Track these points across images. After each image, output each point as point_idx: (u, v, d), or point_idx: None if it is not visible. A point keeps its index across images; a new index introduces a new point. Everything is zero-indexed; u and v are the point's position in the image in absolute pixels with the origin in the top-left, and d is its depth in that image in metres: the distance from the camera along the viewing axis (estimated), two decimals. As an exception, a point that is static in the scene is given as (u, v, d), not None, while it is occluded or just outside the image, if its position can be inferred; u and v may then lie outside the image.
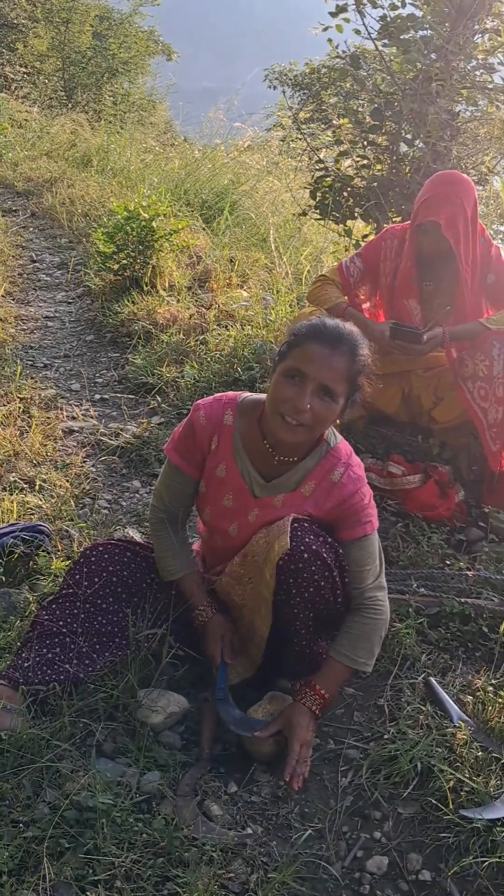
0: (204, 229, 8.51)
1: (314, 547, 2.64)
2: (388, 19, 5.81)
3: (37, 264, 8.62)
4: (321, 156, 6.91)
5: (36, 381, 5.56)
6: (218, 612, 2.94)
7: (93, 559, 2.91)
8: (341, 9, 5.97)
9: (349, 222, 6.45)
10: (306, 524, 2.69)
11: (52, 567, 3.45)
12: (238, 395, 2.90)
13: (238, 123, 13.26)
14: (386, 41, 5.85)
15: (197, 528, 3.21)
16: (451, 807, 2.42)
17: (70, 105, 20.14)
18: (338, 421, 2.72)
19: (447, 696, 2.84)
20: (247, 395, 2.91)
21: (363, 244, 5.01)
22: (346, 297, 4.17)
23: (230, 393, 2.93)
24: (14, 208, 10.65)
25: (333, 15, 6.02)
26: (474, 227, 3.90)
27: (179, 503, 3.01)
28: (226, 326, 6.14)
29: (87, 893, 2.12)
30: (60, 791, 2.39)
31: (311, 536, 2.66)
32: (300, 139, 12.75)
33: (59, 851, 2.22)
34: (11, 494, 4.01)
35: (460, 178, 3.96)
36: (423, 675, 2.96)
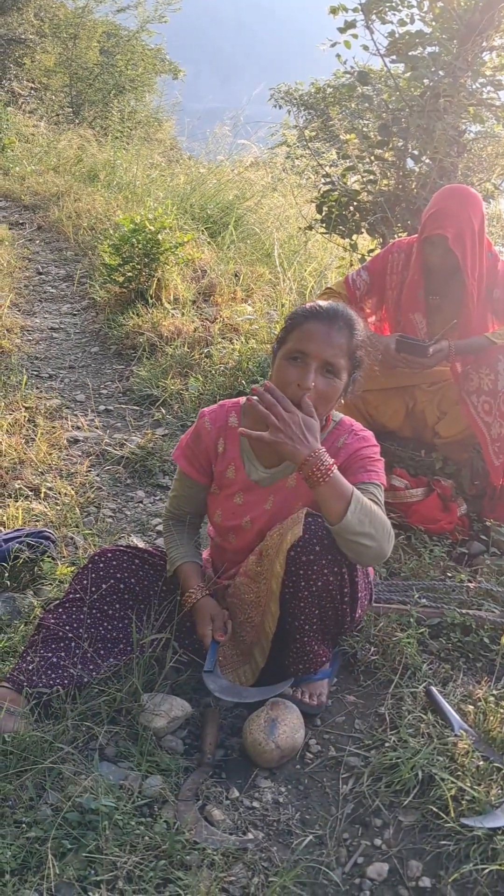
0: (209, 243, 8.55)
1: (326, 541, 2.64)
2: (397, 36, 5.83)
3: (43, 276, 8.66)
4: (327, 170, 6.93)
5: (41, 391, 5.59)
6: (208, 594, 2.94)
7: (101, 565, 2.92)
8: (349, 24, 5.99)
9: (355, 236, 6.47)
10: (320, 519, 2.69)
11: (57, 573, 3.47)
12: (240, 399, 2.97)
13: (243, 140, 13.32)
14: (394, 57, 5.87)
15: (207, 532, 3.22)
16: (451, 815, 2.41)
17: (77, 121, 20.21)
18: (342, 401, 2.75)
19: (448, 706, 2.83)
20: (248, 398, 2.94)
21: (368, 259, 5.03)
22: (351, 311, 4.19)
23: (232, 399, 3.00)
24: (21, 221, 10.72)
25: (342, 31, 6.04)
26: (481, 242, 3.91)
27: (189, 507, 3.08)
28: (230, 340, 6.16)
29: (89, 894, 2.12)
30: (63, 793, 2.39)
31: (325, 530, 2.66)
32: (304, 156, 12.83)
33: (61, 852, 2.22)
34: (17, 501, 4.03)
35: (468, 191, 3.97)
36: (424, 685, 2.95)
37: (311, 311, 2.68)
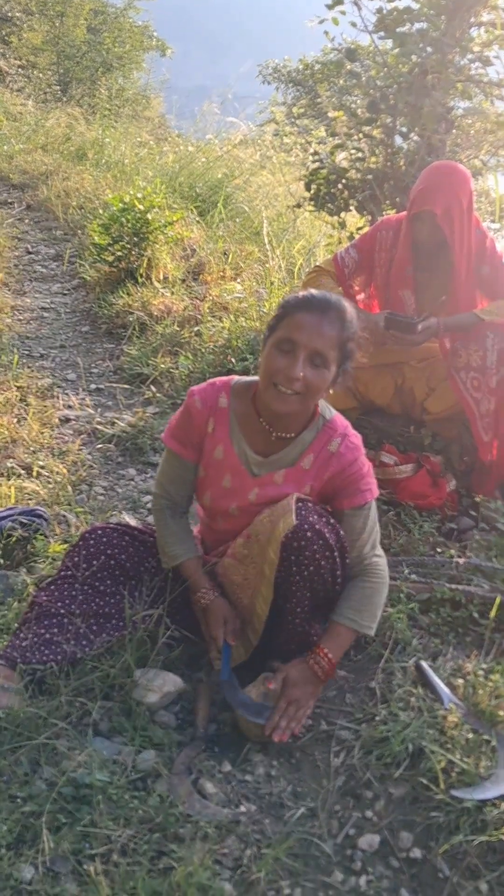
0: (198, 222, 8.52)
1: (317, 527, 2.66)
2: (385, 12, 5.79)
3: (32, 256, 8.64)
4: (315, 148, 6.91)
5: (32, 371, 5.59)
6: (220, 595, 2.94)
7: (92, 542, 2.93)
8: (337, 1, 5.95)
9: (343, 214, 6.46)
10: (310, 504, 2.72)
11: (50, 550, 3.48)
12: (231, 379, 2.93)
13: (231, 118, 13.27)
14: (382, 34, 5.84)
15: (197, 512, 3.22)
16: (441, 787, 2.44)
17: (65, 99, 20.10)
18: (330, 391, 2.75)
19: (438, 680, 2.86)
20: (239, 377, 2.94)
21: (357, 236, 5.02)
22: (340, 288, 4.18)
23: (223, 378, 2.96)
24: (10, 200, 10.66)
25: (330, 7, 6.00)
26: (469, 218, 3.91)
27: (180, 489, 3.03)
28: (220, 318, 6.16)
29: (84, 867, 2.15)
30: (57, 768, 2.42)
31: (315, 516, 2.68)
32: (293, 134, 12.79)
33: (56, 826, 2.25)
34: (9, 480, 4.04)
35: (457, 168, 3.96)
36: (414, 659, 2.98)
37: (303, 300, 2.66)
